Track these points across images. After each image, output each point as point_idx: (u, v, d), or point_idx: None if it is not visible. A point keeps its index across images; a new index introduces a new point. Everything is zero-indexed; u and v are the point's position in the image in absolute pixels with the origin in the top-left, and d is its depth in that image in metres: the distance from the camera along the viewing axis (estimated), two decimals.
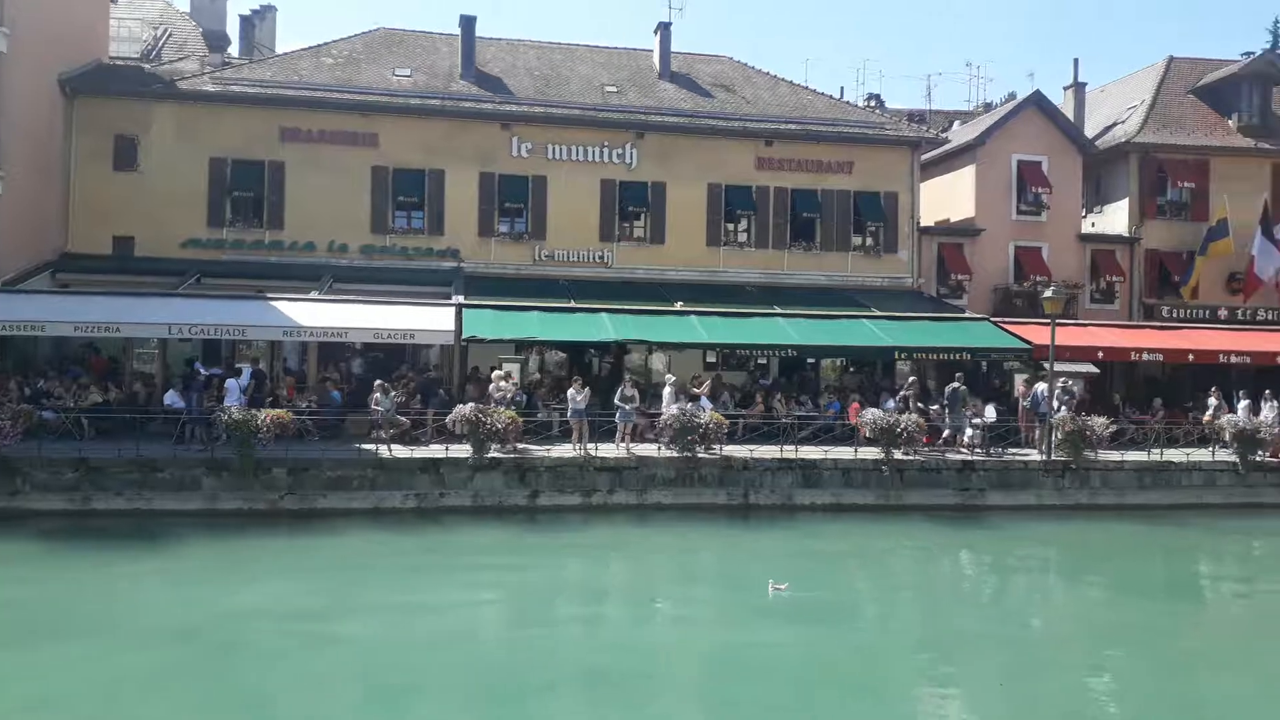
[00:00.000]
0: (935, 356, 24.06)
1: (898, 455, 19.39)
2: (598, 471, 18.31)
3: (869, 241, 27.55)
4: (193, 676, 9.75)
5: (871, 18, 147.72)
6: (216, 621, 11.59)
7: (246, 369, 20.41)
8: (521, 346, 22.69)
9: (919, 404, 21.22)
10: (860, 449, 19.79)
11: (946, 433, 21.18)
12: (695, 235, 26.48)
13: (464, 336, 21.02)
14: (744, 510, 18.65)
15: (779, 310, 24.25)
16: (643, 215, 26.45)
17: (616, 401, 19.41)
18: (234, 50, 29.21)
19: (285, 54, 27.93)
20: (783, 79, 30.17)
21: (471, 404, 18.41)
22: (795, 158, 27.06)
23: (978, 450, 20.58)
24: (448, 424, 18.38)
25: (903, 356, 24.28)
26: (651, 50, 29.71)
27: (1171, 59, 32.60)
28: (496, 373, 20.39)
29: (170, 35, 28.26)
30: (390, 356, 24.23)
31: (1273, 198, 28.55)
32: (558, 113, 26.12)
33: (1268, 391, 22.57)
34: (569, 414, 19.18)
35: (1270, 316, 28.69)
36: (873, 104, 35.53)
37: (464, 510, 17.68)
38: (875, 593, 14.47)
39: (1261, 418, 21.41)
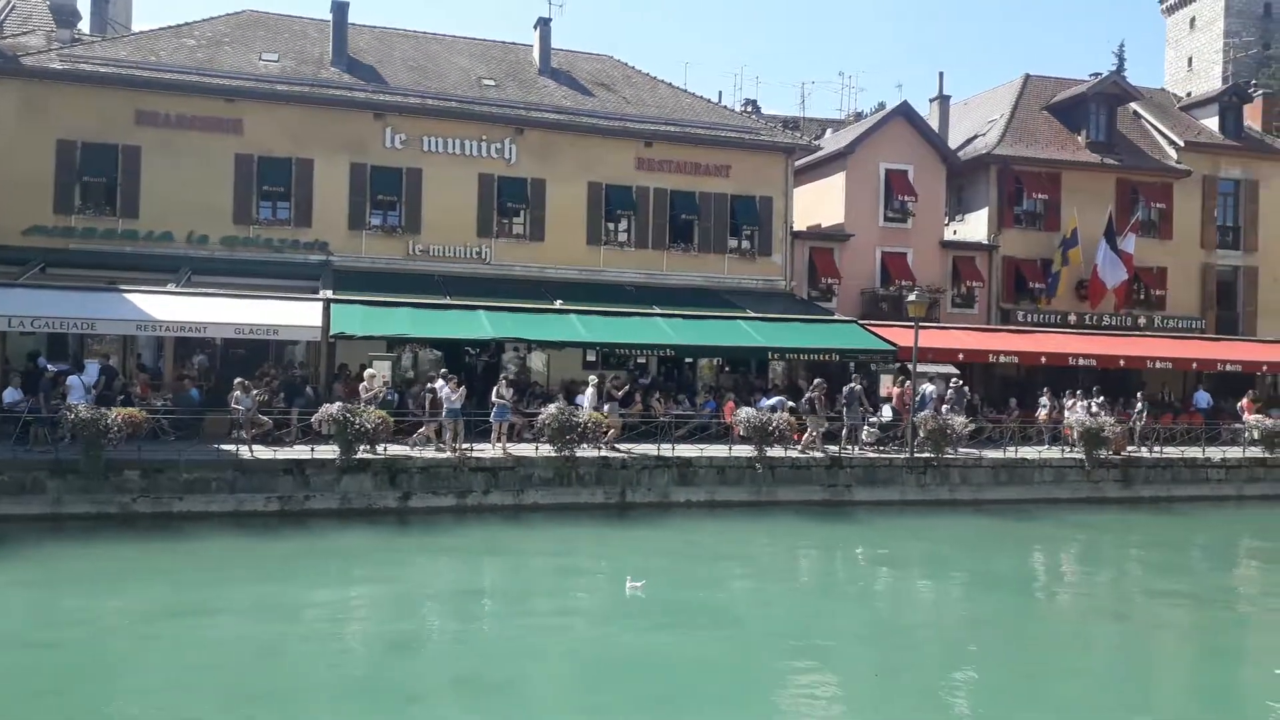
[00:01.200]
0: (806, 357, 24.72)
1: (770, 453, 19.79)
2: (473, 472, 18.00)
3: (745, 244, 28.04)
4: (42, 687, 9.08)
5: (749, 24, 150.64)
6: (67, 629, 10.84)
7: (94, 365, 19.20)
8: (394, 344, 22.11)
9: (811, 404, 21.49)
10: (734, 447, 20.11)
11: (845, 431, 21.65)
12: (575, 233, 26.39)
13: (332, 333, 20.34)
14: (621, 509, 18.68)
15: (658, 310, 24.42)
16: (522, 212, 26.17)
17: (492, 400, 19.11)
18: (84, 26, 27.42)
19: (143, 33, 26.40)
20: (662, 80, 30.40)
21: (339, 403, 17.80)
22: (675, 159, 27.29)
23: (869, 449, 21.21)
24: (313, 424, 17.72)
25: (776, 357, 24.81)
26: (531, 45, 29.45)
27: (1028, 76, 34.43)
28: (368, 371, 19.80)
29: (13, 8, 26.30)
30: (253, 353, 23.25)
31: (1116, 210, 30.46)
32: (434, 104, 25.57)
33: (1095, 389, 24.12)
34: (443, 414, 18.77)
35: (1114, 321, 30.62)
36: (749, 109, 36.20)
37: (331, 513, 17.09)
38: (749, 588, 14.68)
39: (1076, 414, 22.67)
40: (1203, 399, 27.67)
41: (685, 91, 30.47)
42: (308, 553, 15.37)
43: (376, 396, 18.85)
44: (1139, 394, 25.71)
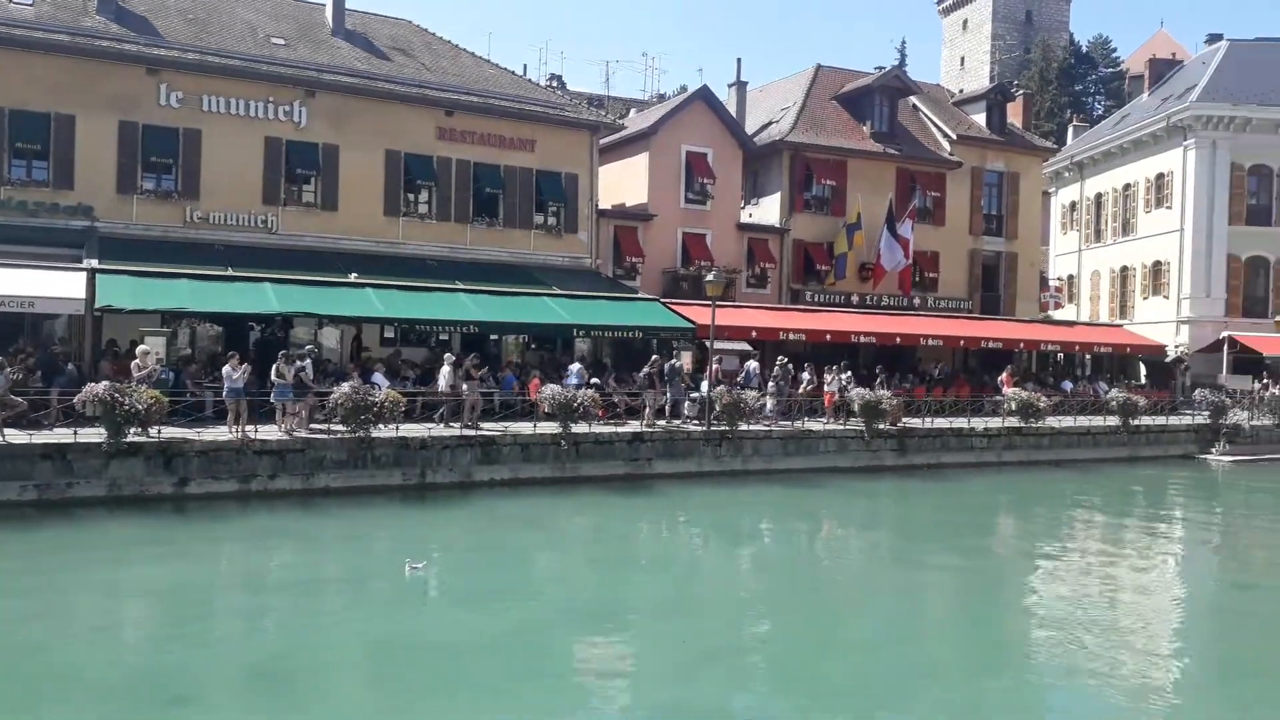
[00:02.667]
0: (611, 334, 24.98)
1: (575, 429, 19.88)
2: (257, 455, 17.00)
3: (550, 220, 27.92)
4: None
5: None
6: None
7: None
8: (169, 318, 20.51)
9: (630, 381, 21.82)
10: (540, 424, 20.06)
11: (667, 406, 22.06)
12: (372, 203, 25.38)
13: (97, 306, 18.65)
14: (420, 490, 18.22)
15: (461, 285, 23.92)
16: (313, 179, 24.90)
17: (273, 379, 17.96)
18: None
19: None
20: (465, 49, 29.68)
21: (106, 383, 16.31)
22: (478, 131, 26.75)
23: (693, 421, 21.79)
24: (76, 405, 16.17)
25: (581, 334, 24.90)
26: (324, 4, 27.95)
27: (819, 67, 36.08)
28: (140, 348, 18.26)
29: None
30: (7, 329, 20.92)
31: (896, 198, 32.53)
32: (215, 61, 23.79)
33: (844, 363, 25.73)
34: (225, 393, 17.59)
35: (891, 302, 32.77)
36: (555, 85, 35.99)
37: (98, 501, 15.69)
38: (548, 565, 14.72)
39: (835, 384, 24.24)
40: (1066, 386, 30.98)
41: (489, 62, 29.88)
42: (73, 544, 14.06)
43: (150, 375, 17.44)
44: (878, 366, 27.53)
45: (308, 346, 20.91)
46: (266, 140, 24.19)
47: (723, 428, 21.54)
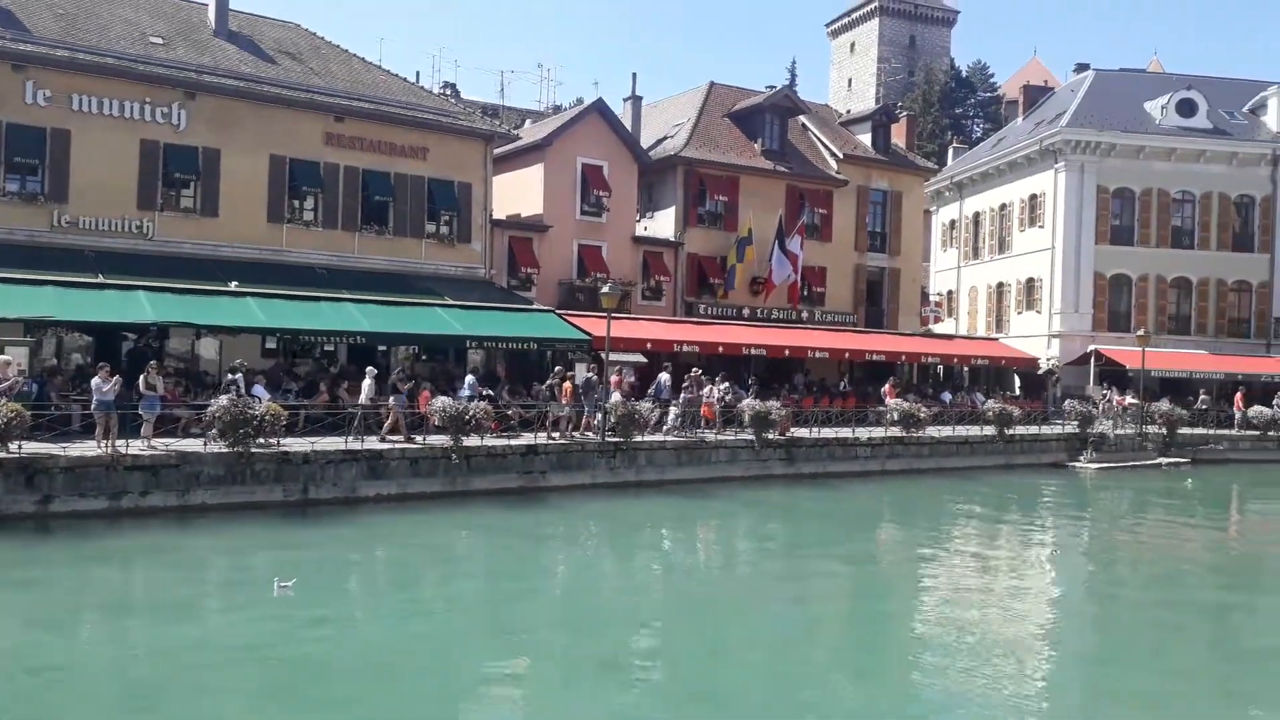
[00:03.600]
0: (505, 346, 24.78)
1: (467, 442, 19.61)
2: (128, 471, 16.20)
3: (443, 230, 27.56)
4: None
5: (448, 5, 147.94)
6: None
7: None
8: (33, 328, 19.40)
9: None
10: (430, 437, 19.73)
11: (584, 419, 22.13)
12: (255, 210, 24.58)
13: None
14: (303, 506, 17.68)
15: (348, 295, 23.37)
16: (192, 184, 23.97)
17: (142, 390, 17.16)
18: None
19: None
20: (356, 55, 29.09)
21: None
22: (368, 137, 26.23)
23: (604, 433, 21.75)
24: None
25: (474, 345, 24.63)
26: (207, 4, 26.99)
27: (713, 84, 36.70)
28: (0, 358, 17.21)
29: None
30: None
31: (786, 214, 33.31)
32: (87, 59, 22.68)
33: (721, 374, 26.28)
34: (94, 406, 16.71)
35: (781, 315, 33.50)
36: (448, 93, 35.59)
37: None
38: (434, 580, 14.47)
39: (713, 395, 24.74)
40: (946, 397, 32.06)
41: (380, 68, 29.37)
42: None
43: (11, 388, 16.46)
44: (751, 376, 28.21)
45: (237, 361, 20.32)
46: (143, 143, 23.19)
47: (617, 439, 21.60)
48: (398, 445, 19.17)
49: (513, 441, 20.66)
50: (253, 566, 14.22)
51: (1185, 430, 31.99)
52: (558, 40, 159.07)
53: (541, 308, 27.06)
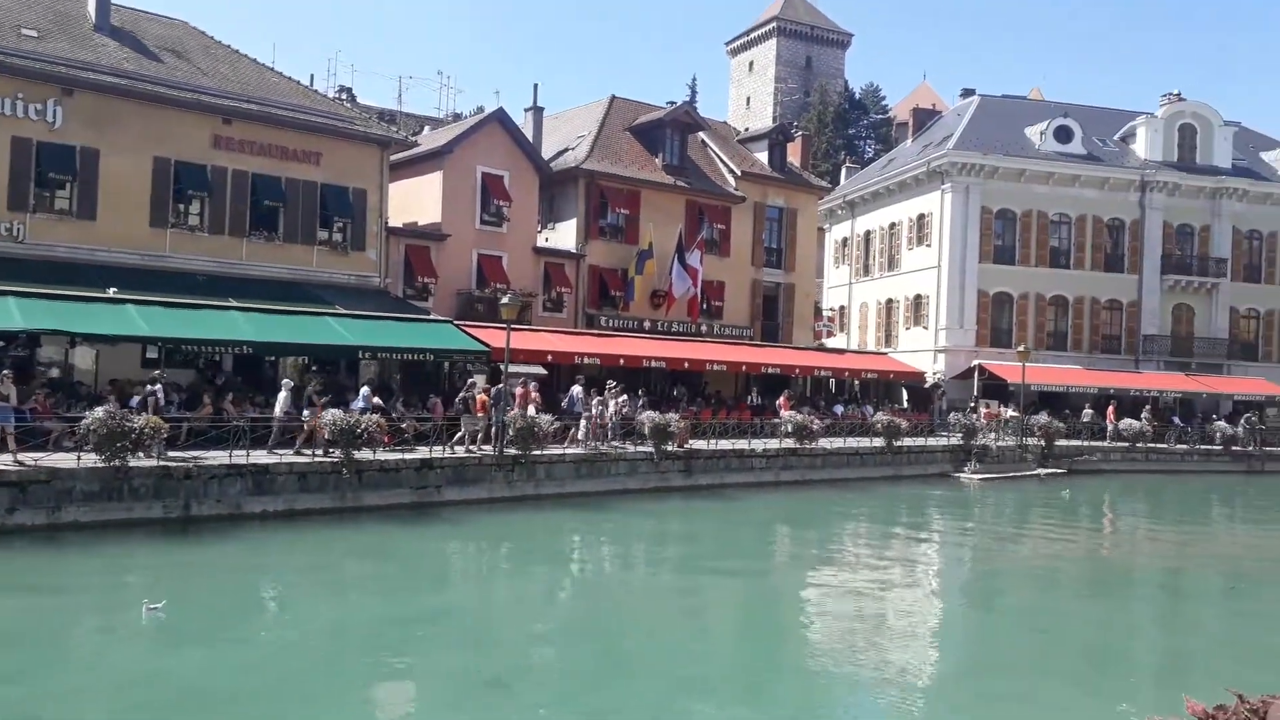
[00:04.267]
0: (400, 356, 24.30)
1: (358, 456, 19.14)
2: None
3: (336, 237, 26.90)
4: None
5: (346, 9, 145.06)
6: None
7: None
8: None
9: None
10: (319, 451, 19.17)
11: (494, 431, 21.81)
12: (137, 213, 23.53)
13: None
14: (184, 524, 16.94)
15: (235, 303, 22.56)
16: (68, 185, 22.81)
17: None
18: None
19: None
20: (246, 55, 28.18)
21: None
22: (258, 140, 25.42)
23: (501, 446, 21.53)
24: None
25: (367, 356, 24.07)
26: None
27: (614, 98, 36.89)
28: None
29: None
30: None
31: (686, 229, 33.68)
32: None
33: (621, 387, 26.13)
34: None
35: (681, 328, 33.82)
36: (344, 97, 34.80)
37: None
38: (319, 599, 14.04)
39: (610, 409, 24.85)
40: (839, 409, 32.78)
41: (272, 70, 28.52)
42: None
43: None
44: (640, 389, 28.49)
45: (156, 372, 19.64)
46: (14, 140, 21.94)
47: (516, 453, 21.40)
48: (284, 459, 18.56)
49: (407, 455, 20.24)
50: (124, 587, 13.54)
51: (1062, 442, 33.57)
52: (459, 48, 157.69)
53: (438, 318, 26.65)
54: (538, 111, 34.30)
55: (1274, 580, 18.74)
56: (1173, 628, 14.91)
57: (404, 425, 21.29)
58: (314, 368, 26.12)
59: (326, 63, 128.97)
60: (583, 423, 24.04)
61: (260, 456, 18.41)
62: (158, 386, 18.47)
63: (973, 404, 35.74)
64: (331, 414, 19.39)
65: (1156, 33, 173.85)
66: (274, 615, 12.95)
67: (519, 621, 13.29)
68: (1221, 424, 37.08)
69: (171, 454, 17.55)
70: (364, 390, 21.79)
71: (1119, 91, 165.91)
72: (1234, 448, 35.98)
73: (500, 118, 31.52)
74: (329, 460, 18.83)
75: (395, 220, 28.69)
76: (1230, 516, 28.28)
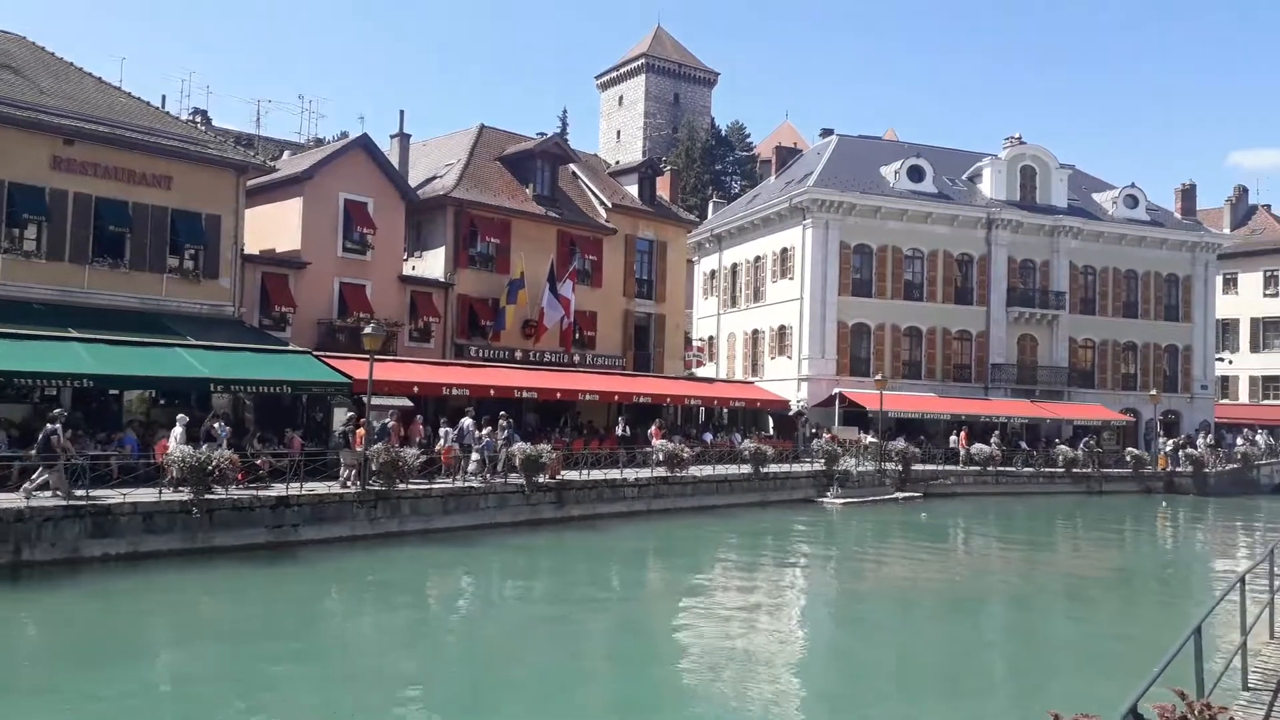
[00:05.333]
0: (256, 389, 23.24)
1: (209, 495, 18.16)
2: None
3: (188, 264, 25.64)
4: None
5: (200, 25, 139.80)
6: None
7: None
8: None
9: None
10: (166, 490, 18.10)
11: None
12: None
13: None
14: (13, 570, 15.64)
15: (75, 334, 21.15)
16: None
17: None
18: None
19: None
20: (91, 74, 26.72)
21: None
22: (102, 162, 24.06)
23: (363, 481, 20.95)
24: None
25: (219, 389, 22.94)
26: None
27: (483, 127, 36.71)
28: None
29: None
30: None
31: (557, 259, 33.68)
32: None
33: (502, 412, 26.14)
34: None
35: (553, 358, 33.70)
36: (198, 119, 33.41)
37: None
38: (167, 648, 13.19)
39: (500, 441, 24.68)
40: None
41: (119, 89, 27.12)
42: None
43: None
44: (500, 413, 28.18)
45: (57, 410, 18.47)
46: None
47: (379, 488, 20.74)
48: (129, 499, 17.43)
49: (261, 493, 19.32)
50: None
51: (918, 466, 35.01)
52: (321, 72, 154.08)
53: (297, 349, 25.68)
54: (404, 138, 33.77)
55: (1111, 594, 19.96)
56: (1024, 643, 15.65)
57: (259, 461, 20.34)
58: (162, 402, 24.72)
59: (180, 83, 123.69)
60: (474, 455, 23.61)
61: (103, 495, 17.22)
62: (57, 425, 17.32)
63: (814, 430, 36.89)
64: (180, 450, 18.37)
65: (1001, 77, 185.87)
66: (110, 667, 12.03)
67: (380, 662, 12.79)
68: (1063, 448, 39.46)
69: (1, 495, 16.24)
70: (216, 425, 20.74)
71: (968, 131, 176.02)
72: (1074, 470, 38.30)
73: (365, 144, 30.86)
74: (177, 499, 17.79)
75: (252, 247, 27.59)
76: (1072, 534, 30.03)
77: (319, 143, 42.47)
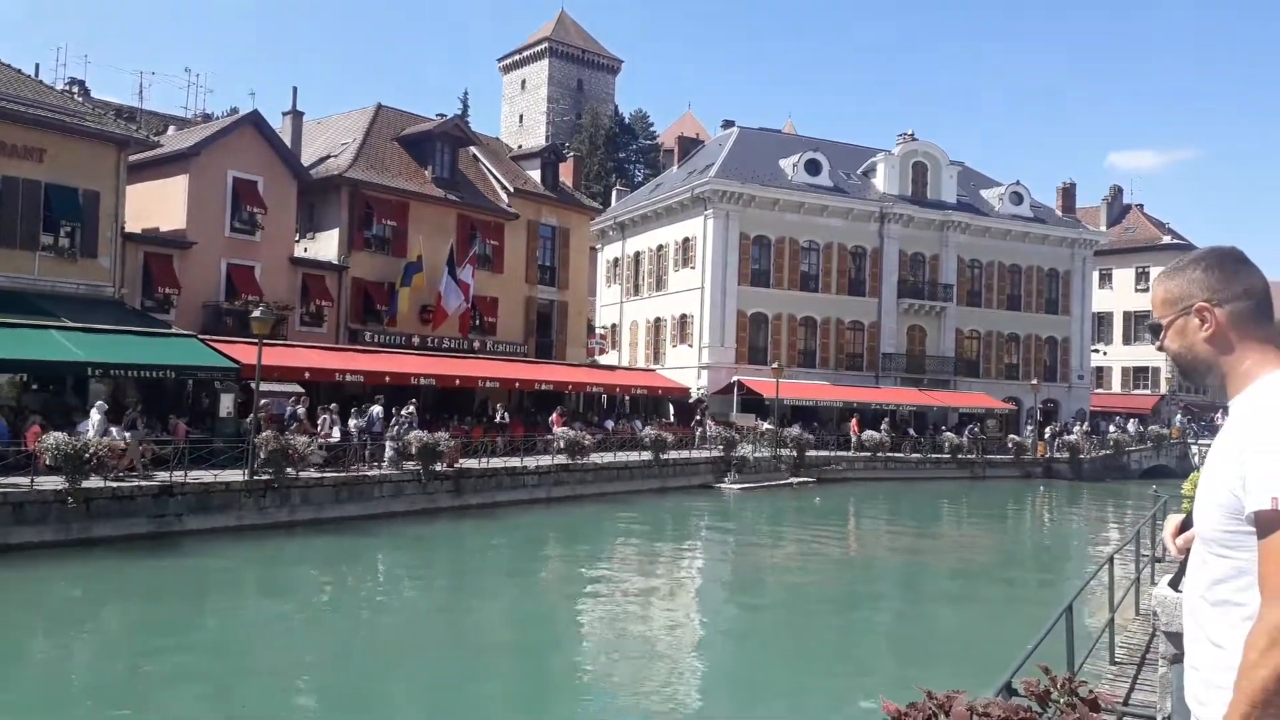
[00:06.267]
0: (137, 374, 22.22)
1: (87, 484, 17.27)
2: None
3: (63, 242, 24.31)
4: None
5: None
6: None
7: None
8: None
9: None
10: (39, 478, 17.15)
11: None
12: None
13: None
14: None
15: None
16: None
17: None
18: None
19: None
20: None
21: None
22: None
23: (314, 469, 20.97)
24: None
25: (98, 373, 21.84)
26: None
27: (380, 106, 35.83)
28: None
29: None
30: None
31: (457, 243, 33.16)
32: None
33: (413, 400, 25.84)
34: None
35: (452, 345, 33.22)
36: (75, 90, 31.59)
37: None
38: (38, 645, 12.54)
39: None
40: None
41: None
42: None
43: None
44: (392, 405, 27.98)
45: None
46: None
47: (268, 477, 20.10)
48: None
49: (143, 482, 18.49)
50: None
51: (812, 453, 35.85)
52: (210, 46, 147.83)
53: (182, 332, 24.64)
54: (297, 116, 32.70)
55: (992, 574, 20.86)
56: (910, 623, 16.21)
57: (141, 448, 19.45)
58: (34, 387, 23.42)
59: (56, 52, 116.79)
60: (389, 445, 23.09)
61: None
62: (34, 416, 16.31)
63: (699, 416, 37.32)
64: (54, 437, 17.42)
65: (895, 74, 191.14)
66: None
67: (266, 658, 12.40)
68: (949, 435, 40.99)
69: None
70: (96, 412, 19.75)
71: (865, 126, 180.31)
72: (960, 456, 39.83)
73: (255, 120, 29.74)
74: (50, 489, 16.88)
75: (134, 226, 26.34)
76: (957, 519, 31.25)
77: (207, 118, 40.72)
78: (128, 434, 18.64)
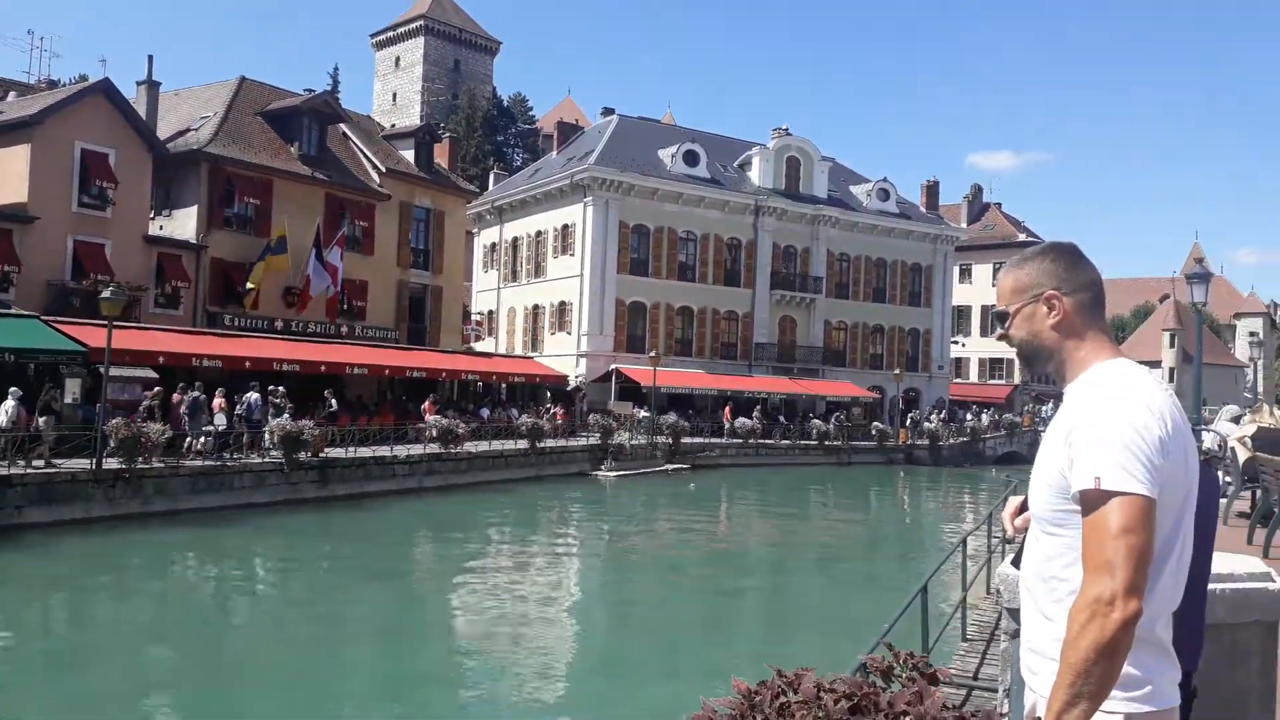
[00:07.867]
0: None
1: None
2: None
3: None
4: None
5: None
6: None
7: None
8: None
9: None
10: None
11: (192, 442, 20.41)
12: None
13: None
14: None
15: None
16: None
17: None
18: None
19: None
20: None
21: None
22: None
23: (209, 459, 20.55)
24: None
25: None
26: None
27: (244, 79, 34.21)
28: None
29: None
30: None
31: (325, 224, 32.00)
32: None
33: (281, 389, 24.75)
34: None
35: (319, 329, 32.07)
36: None
37: None
38: None
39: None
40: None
41: None
42: None
43: None
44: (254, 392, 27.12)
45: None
46: None
47: (119, 466, 18.95)
48: None
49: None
50: None
51: (687, 440, 36.34)
52: (57, 9, 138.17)
53: (23, 313, 22.95)
54: (153, 86, 30.85)
55: (855, 556, 21.62)
56: (775, 603, 16.62)
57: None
58: None
59: None
60: (268, 432, 22.09)
61: None
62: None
63: (548, 405, 37.06)
64: None
65: (771, 67, 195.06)
66: None
67: (117, 658, 11.70)
68: (817, 422, 42.26)
69: None
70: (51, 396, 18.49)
71: (740, 119, 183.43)
72: (827, 443, 41.12)
73: (106, 89, 27.91)
74: None
75: None
76: (823, 503, 32.26)
77: (52, 85, 37.97)
78: (41, 420, 17.47)
